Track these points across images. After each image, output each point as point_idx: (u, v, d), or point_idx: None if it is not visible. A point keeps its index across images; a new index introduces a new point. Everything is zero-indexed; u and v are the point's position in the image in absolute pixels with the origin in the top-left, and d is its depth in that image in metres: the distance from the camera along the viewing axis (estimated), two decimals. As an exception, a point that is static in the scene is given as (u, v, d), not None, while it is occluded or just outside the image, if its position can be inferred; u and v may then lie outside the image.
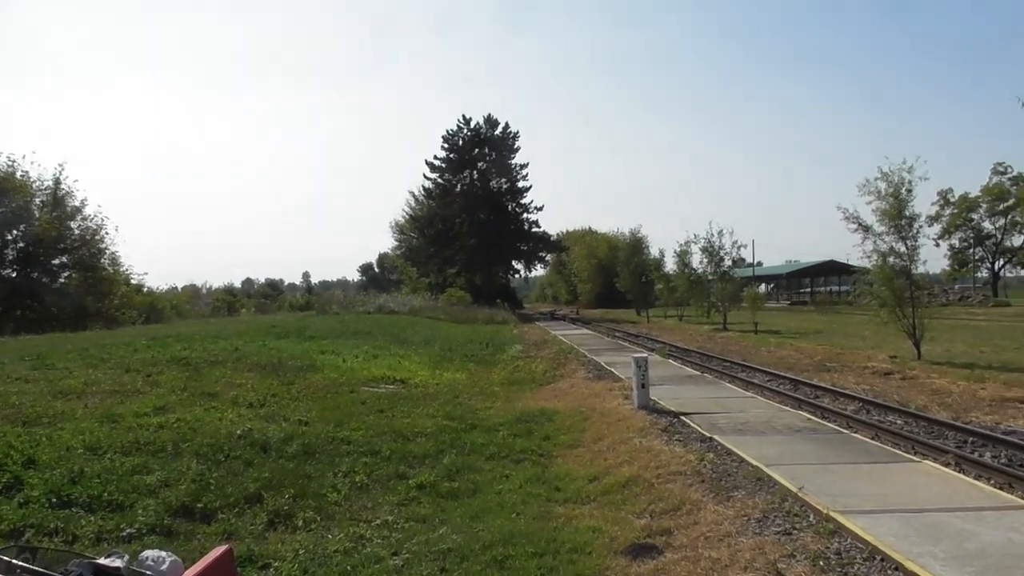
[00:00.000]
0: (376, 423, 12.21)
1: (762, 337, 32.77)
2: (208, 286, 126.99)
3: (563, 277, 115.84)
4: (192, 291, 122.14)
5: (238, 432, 10.38)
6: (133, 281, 49.91)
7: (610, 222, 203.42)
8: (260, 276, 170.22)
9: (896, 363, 21.09)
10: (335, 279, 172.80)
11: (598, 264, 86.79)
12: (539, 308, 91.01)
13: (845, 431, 10.72)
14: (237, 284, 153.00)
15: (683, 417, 11.61)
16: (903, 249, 23.11)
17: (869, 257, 24.04)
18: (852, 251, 24.89)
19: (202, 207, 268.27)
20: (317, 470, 9.38)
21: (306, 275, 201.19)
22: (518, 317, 54.62)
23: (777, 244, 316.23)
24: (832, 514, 6.32)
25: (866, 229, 23.84)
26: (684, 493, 7.58)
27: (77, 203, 38.89)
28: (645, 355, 12.97)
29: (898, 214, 22.95)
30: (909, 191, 23.03)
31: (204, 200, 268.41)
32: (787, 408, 12.84)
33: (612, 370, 18.63)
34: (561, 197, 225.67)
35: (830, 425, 11.17)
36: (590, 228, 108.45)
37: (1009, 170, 68.29)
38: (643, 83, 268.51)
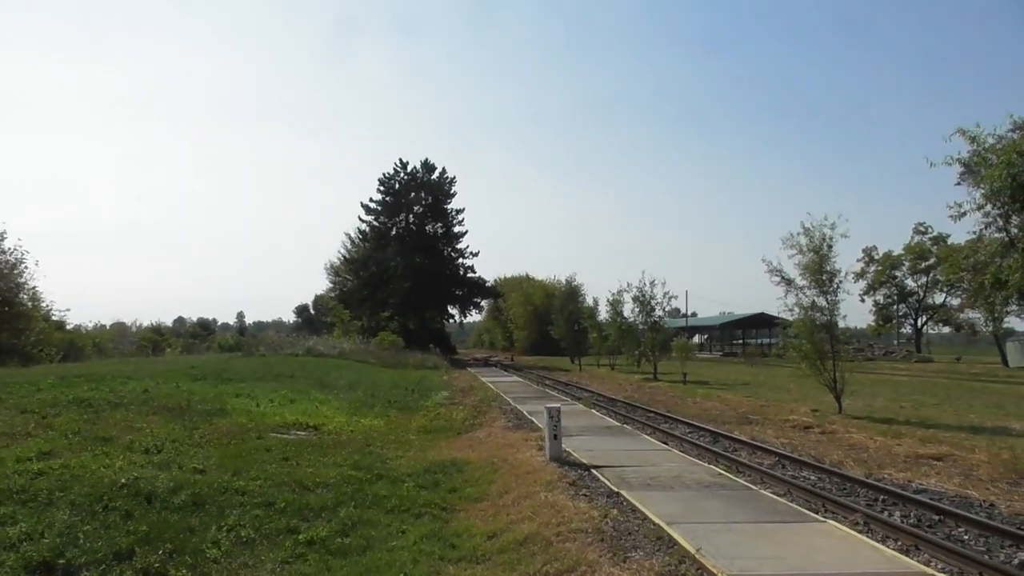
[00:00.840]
0: (277, 472, 11.61)
1: (690, 388, 32.91)
2: (138, 324, 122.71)
3: (500, 323, 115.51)
4: (119, 329, 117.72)
5: (122, 481, 9.71)
6: (54, 317, 48.07)
7: (548, 270, 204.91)
8: (195, 315, 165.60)
9: (817, 417, 21.26)
10: (271, 320, 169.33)
11: (534, 311, 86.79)
12: (475, 354, 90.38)
13: (754, 487, 10.56)
14: (168, 323, 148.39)
15: (594, 470, 11.33)
16: (824, 303, 23.50)
17: (792, 310, 24.42)
18: (780, 304, 25.37)
19: (140, 246, 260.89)
20: (202, 523, 8.79)
21: (240, 315, 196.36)
22: (451, 363, 54.03)
23: (713, 296, 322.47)
24: (726, 578, 6.06)
25: (788, 282, 24.23)
26: (581, 553, 7.25)
27: None
28: (558, 406, 12.70)
29: (819, 269, 23.36)
30: (830, 247, 23.50)
31: (142, 239, 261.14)
32: (700, 462, 12.68)
33: (533, 419, 18.32)
34: (499, 244, 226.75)
35: (739, 481, 11.00)
36: (527, 275, 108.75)
37: (929, 230, 71.05)
38: (579, 136, 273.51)
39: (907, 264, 73.21)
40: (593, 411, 21.33)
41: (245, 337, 79.31)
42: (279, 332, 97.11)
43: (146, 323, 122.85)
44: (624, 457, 12.60)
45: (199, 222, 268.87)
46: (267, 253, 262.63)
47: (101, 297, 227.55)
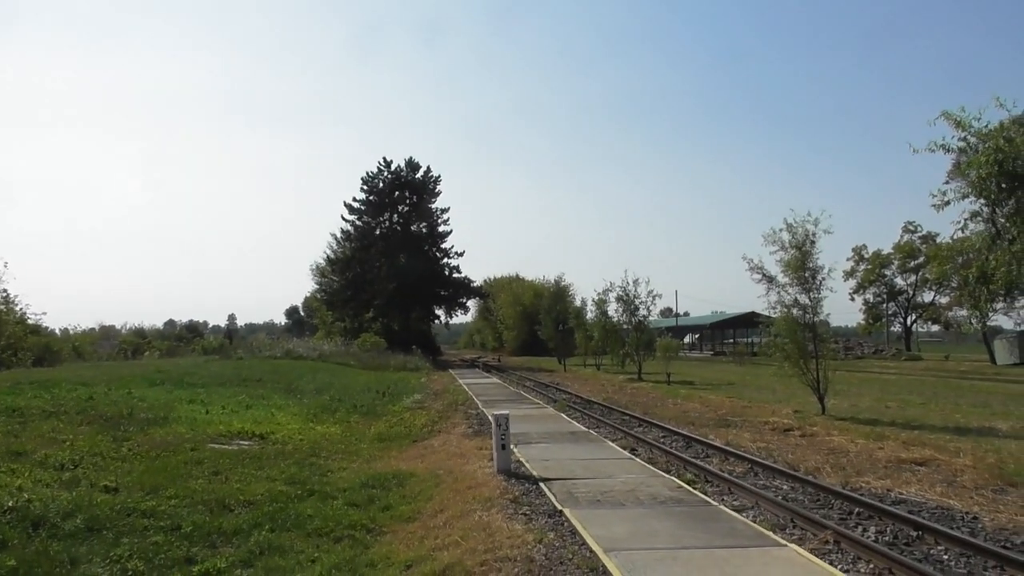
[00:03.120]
0: (200, 489, 10.63)
1: (673, 388, 32.00)
2: (127, 327, 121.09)
3: (490, 324, 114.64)
4: (104, 332, 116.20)
5: (9, 504, 8.71)
6: (29, 320, 47.03)
7: (539, 270, 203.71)
8: (190, 318, 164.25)
9: (798, 418, 20.36)
10: (263, 322, 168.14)
11: (523, 311, 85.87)
12: (463, 355, 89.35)
13: (714, 503, 9.58)
14: (160, 325, 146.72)
15: (542, 484, 10.35)
16: (807, 301, 22.62)
17: (774, 308, 23.58)
18: (765, 302, 24.55)
19: (135, 250, 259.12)
20: (89, 553, 7.81)
21: (231, 317, 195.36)
22: (434, 364, 53.02)
23: (705, 296, 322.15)
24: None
25: (770, 280, 23.37)
26: (502, 588, 6.29)
27: None
28: (507, 412, 11.69)
29: (801, 266, 22.48)
30: (813, 243, 22.63)
31: (136, 243, 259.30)
32: (661, 473, 11.69)
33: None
34: (489, 245, 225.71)
35: (700, 495, 10.02)
36: (517, 275, 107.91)
37: (919, 229, 70.54)
38: (572, 139, 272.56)
39: (896, 263, 72.78)
40: (563, 415, 20.34)
41: (231, 340, 78.15)
42: (270, 334, 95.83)
43: (138, 326, 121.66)
44: (580, 468, 11.62)
45: (195, 224, 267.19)
46: (262, 254, 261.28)
47: (95, 300, 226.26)
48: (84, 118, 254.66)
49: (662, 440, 16.56)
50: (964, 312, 64.93)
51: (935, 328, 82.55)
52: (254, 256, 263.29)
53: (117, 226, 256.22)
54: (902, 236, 72.02)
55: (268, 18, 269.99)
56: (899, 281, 74.35)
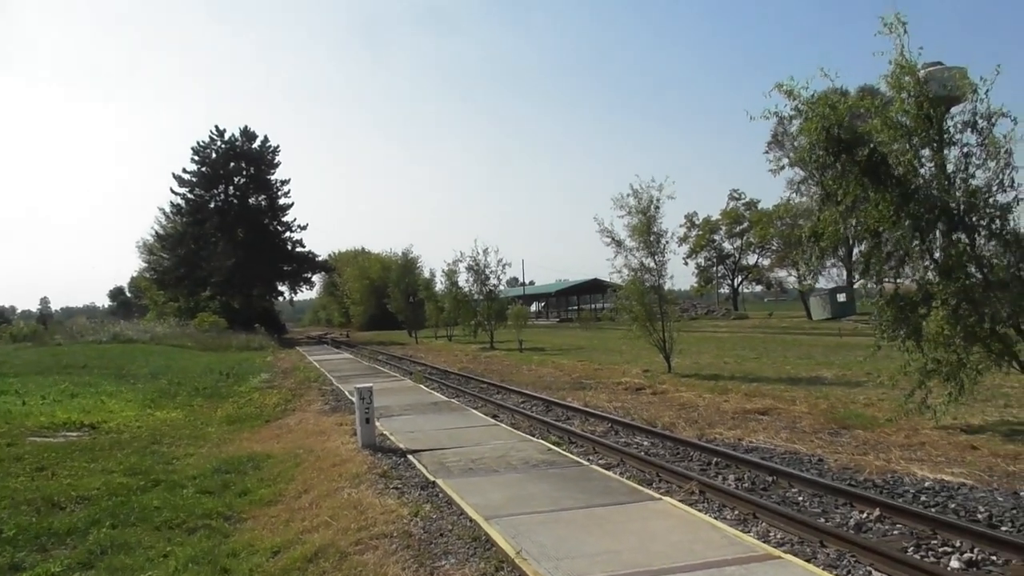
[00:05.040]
0: (23, 487, 9.49)
1: (526, 355, 32.41)
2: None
3: (336, 299, 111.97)
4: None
5: None
6: None
7: (385, 243, 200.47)
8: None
9: (648, 377, 21.11)
10: (82, 305, 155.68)
11: (371, 285, 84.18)
12: (309, 332, 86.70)
13: (585, 463, 9.63)
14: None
15: (411, 456, 10.02)
16: (652, 265, 23.40)
17: (620, 272, 24.24)
18: (611, 267, 25.17)
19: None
20: None
21: (44, 300, 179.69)
22: (279, 342, 51.04)
23: (551, 264, 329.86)
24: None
25: (619, 244, 23.98)
26: (381, 567, 5.94)
27: None
28: (369, 385, 11.24)
29: (647, 230, 23.20)
30: (657, 208, 23.38)
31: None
32: (530, 437, 11.66)
33: (353, 400, 16.73)
34: (334, 217, 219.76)
35: (570, 456, 10.05)
36: (363, 249, 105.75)
37: (743, 196, 75.08)
38: (411, 107, 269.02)
39: (724, 228, 77.06)
40: (422, 386, 20.01)
41: (46, 325, 71.76)
42: (91, 318, 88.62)
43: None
44: (446, 438, 11.35)
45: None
46: (79, 231, 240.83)
47: None
48: None
49: (523, 405, 16.61)
50: (784, 272, 70.23)
51: (759, 288, 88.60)
52: (71, 233, 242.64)
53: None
54: (728, 203, 76.41)
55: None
56: (727, 245, 78.99)
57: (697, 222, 78.52)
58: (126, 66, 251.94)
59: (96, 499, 9.05)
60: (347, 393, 18.16)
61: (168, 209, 64.45)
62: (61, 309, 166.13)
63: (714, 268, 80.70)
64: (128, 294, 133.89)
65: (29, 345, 40.14)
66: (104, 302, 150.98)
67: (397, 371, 26.56)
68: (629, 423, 13.44)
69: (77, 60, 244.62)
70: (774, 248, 69.06)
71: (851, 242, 29.73)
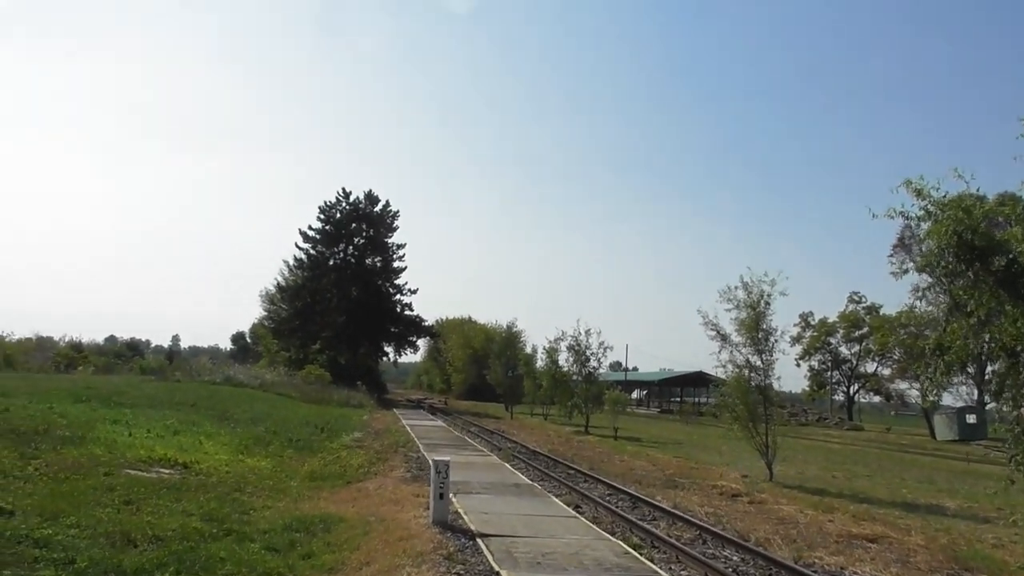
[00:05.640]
0: (106, 519, 9.65)
1: (620, 444, 31.48)
2: (66, 339, 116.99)
3: (438, 365, 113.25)
4: (40, 343, 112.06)
5: None
6: (-44, 327, 45.00)
7: (491, 314, 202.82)
8: (130, 335, 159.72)
9: (747, 483, 19.93)
10: (207, 345, 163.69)
11: (473, 355, 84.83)
12: (410, 395, 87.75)
13: (664, 574, 8.93)
14: (100, 340, 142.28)
15: (480, 540, 9.59)
16: (759, 363, 22.39)
17: (725, 367, 23.33)
18: (715, 361, 24.23)
19: (82, 262, 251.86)
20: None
21: (175, 338, 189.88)
22: (378, 402, 51.70)
23: (655, 352, 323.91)
24: None
25: (724, 338, 23.13)
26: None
27: None
28: (447, 459, 10.95)
29: (755, 326, 22.30)
30: (768, 304, 22.51)
31: (84, 255, 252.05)
32: (608, 535, 11.00)
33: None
34: (444, 284, 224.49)
35: (649, 564, 9.35)
36: (469, 317, 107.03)
37: (863, 299, 71.99)
38: (520, 188, 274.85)
39: (841, 332, 73.94)
40: (507, 465, 19.53)
41: (172, 361, 75.63)
42: (213, 359, 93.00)
43: (76, 339, 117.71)
44: (521, 524, 10.86)
45: (146, 240, 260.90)
46: (211, 276, 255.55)
47: (36, 310, 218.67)
48: (41, 123, 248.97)
49: (608, 498, 15.90)
50: (905, 385, 66.21)
51: (876, 399, 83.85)
52: (203, 278, 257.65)
53: (67, 238, 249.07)
54: (847, 306, 73.49)
55: (235, 40, 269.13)
56: (843, 350, 75.60)
57: (812, 323, 75.70)
58: (279, 125, 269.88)
59: (169, 541, 9.07)
60: (431, 463, 17.96)
61: (291, 262, 67.46)
62: (189, 347, 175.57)
63: (828, 373, 77.15)
64: (248, 339, 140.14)
65: (152, 379, 42.26)
66: (227, 344, 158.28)
67: (486, 445, 26.22)
68: (719, 533, 12.54)
69: (233, 119, 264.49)
70: (896, 358, 65.46)
71: (983, 359, 27.73)
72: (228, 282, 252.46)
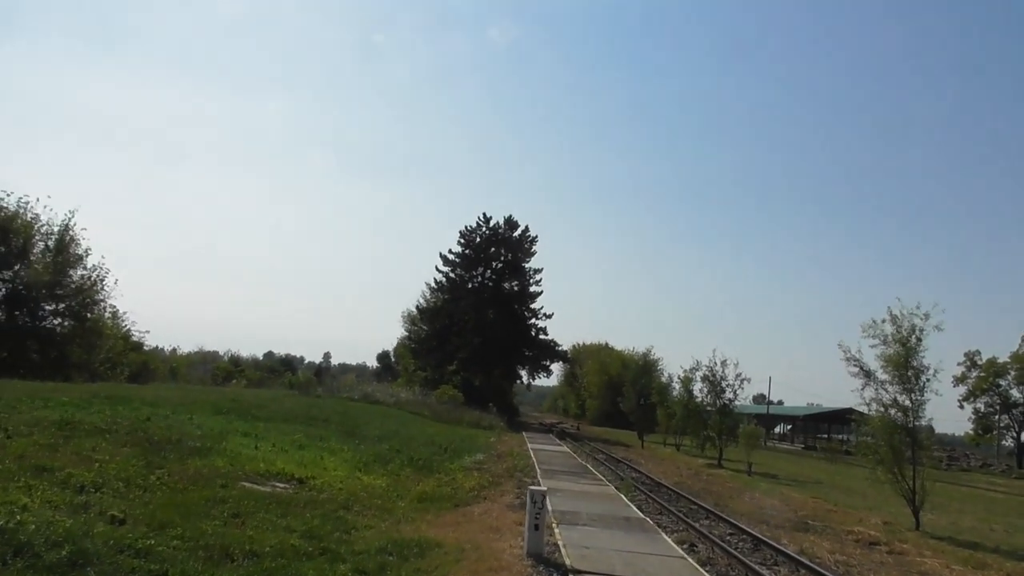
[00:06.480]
0: (211, 531, 9.91)
1: (753, 480, 29.92)
2: (228, 353, 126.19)
3: (574, 390, 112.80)
4: (203, 357, 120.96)
5: (1, 523, 8.20)
6: (133, 338, 48.94)
7: (629, 341, 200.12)
8: (287, 351, 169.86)
9: (887, 531, 18.34)
10: (355, 363, 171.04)
11: (608, 381, 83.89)
12: (545, 419, 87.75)
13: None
14: (259, 356, 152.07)
15: (573, 576, 9.15)
16: (907, 402, 20.63)
17: (868, 406, 21.69)
18: (858, 397, 22.39)
19: (247, 280, 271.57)
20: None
21: (327, 355, 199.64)
22: (508, 425, 51.81)
23: (802, 385, 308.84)
24: None
25: (868, 375, 21.53)
26: None
27: (81, 251, 37.66)
28: (543, 488, 10.57)
29: (904, 363, 20.63)
30: (919, 339, 20.77)
31: (249, 274, 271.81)
32: (714, 581, 10.25)
33: (547, 498, 16.07)
34: (581, 309, 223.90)
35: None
36: (606, 344, 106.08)
37: (1041, 339, 65.64)
38: (674, 212, 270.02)
39: (1013, 373, 67.76)
40: (622, 496, 18.81)
41: (320, 377, 79.37)
42: (360, 376, 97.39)
43: (236, 354, 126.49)
44: (621, 562, 10.29)
45: (306, 260, 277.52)
46: (364, 296, 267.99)
47: (208, 325, 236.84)
48: (212, 150, 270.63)
49: (728, 538, 14.96)
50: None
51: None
52: (356, 297, 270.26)
53: (237, 264, 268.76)
54: (1021, 345, 67.23)
55: (394, 75, 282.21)
56: (1015, 393, 69.13)
57: (979, 362, 69.64)
58: (422, 157, 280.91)
59: (264, 557, 9.19)
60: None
61: (432, 284, 69.22)
62: (338, 364, 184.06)
63: (996, 416, 70.55)
64: (392, 358, 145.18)
65: (296, 393, 44.29)
66: (373, 363, 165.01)
67: (609, 474, 25.53)
68: (846, 586, 11.47)
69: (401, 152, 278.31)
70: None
71: None
72: (379, 303, 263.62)
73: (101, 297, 39.45)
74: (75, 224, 36.76)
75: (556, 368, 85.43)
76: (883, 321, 21.24)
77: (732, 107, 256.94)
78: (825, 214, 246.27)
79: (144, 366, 52.09)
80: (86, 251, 37.57)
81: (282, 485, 14.40)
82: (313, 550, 9.84)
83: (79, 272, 37.93)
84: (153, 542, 8.98)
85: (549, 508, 14.43)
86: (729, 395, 39.23)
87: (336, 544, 10.32)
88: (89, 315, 39.45)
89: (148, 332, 65.23)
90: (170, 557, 8.60)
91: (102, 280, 38.49)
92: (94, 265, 37.91)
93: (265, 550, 9.48)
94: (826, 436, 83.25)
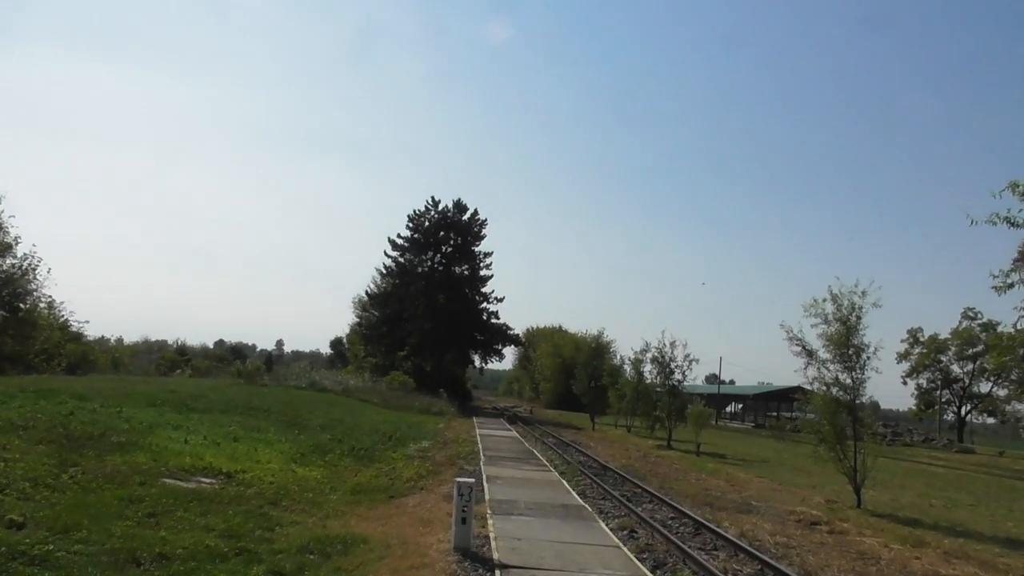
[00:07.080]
0: (120, 534, 9.34)
1: (701, 461, 29.99)
2: (177, 342, 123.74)
3: (528, 374, 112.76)
4: (149, 347, 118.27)
5: None
6: (72, 328, 47.36)
7: (583, 323, 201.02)
8: (238, 339, 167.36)
9: (829, 510, 18.42)
10: (308, 350, 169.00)
11: (562, 364, 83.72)
12: (498, 403, 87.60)
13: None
14: (210, 344, 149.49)
15: (499, 572, 8.77)
16: (848, 380, 20.71)
17: (812, 384, 21.77)
18: (800, 376, 22.53)
19: (194, 267, 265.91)
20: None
21: (279, 343, 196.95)
22: (460, 410, 51.40)
23: (752, 365, 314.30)
24: None
25: (810, 354, 21.56)
26: None
27: (10, 239, 36.06)
28: (470, 481, 10.17)
29: (845, 342, 20.67)
30: (859, 318, 20.82)
31: (195, 261, 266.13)
32: (646, 571, 9.95)
33: (485, 487, 15.70)
34: (534, 293, 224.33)
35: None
36: (560, 327, 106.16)
37: (979, 315, 67.42)
38: (618, 194, 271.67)
39: (953, 349, 69.63)
40: (564, 482, 18.53)
41: (270, 366, 77.96)
42: (313, 363, 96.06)
43: (184, 343, 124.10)
44: (552, 555, 9.94)
45: (254, 246, 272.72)
46: (315, 282, 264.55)
47: (156, 314, 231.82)
48: (154, 135, 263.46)
49: (669, 523, 14.79)
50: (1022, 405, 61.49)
51: (991, 421, 78.35)
52: (307, 284, 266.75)
53: (181, 249, 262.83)
54: (961, 322, 69.11)
55: (331, 55, 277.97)
56: (955, 368, 71.14)
57: (922, 339, 71.31)
58: (372, 139, 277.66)
59: (173, 560, 8.67)
60: (484, 478, 17.21)
61: (382, 270, 68.25)
62: (291, 352, 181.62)
63: (938, 392, 72.44)
64: (345, 345, 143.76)
65: (241, 383, 43.13)
66: (326, 350, 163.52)
67: (555, 459, 25.28)
68: (783, 569, 11.31)
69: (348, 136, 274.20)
70: (1013, 378, 60.82)
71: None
72: (332, 289, 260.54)
73: (34, 287, 38.13)
74: (2, 211, 35.23)
75: (510, 352, 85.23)
76: (824, 300, 21.27)
77: (697, 88, 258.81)
78: (772, 189, 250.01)
79: (83, 357, 50.47)
80: (15, 239, 36.11)
81: (208, 481, 13.80)
82: (229, 551, 9.33)
83: (8, 261, 36.54)
84: (52, 547, 8.42)
85: (487, 497, 14.12)
86: (678, 376, 39.38)
87: (255, 543, 9.82)
88: (22, 305, 38.11)
89: (87, 322, 63.29)
90: (69, 564, 8.06)
91: (34, 269, 37.13)
92: (25, 254, 36.49)
93: (177, 552, 8.97)
94: (775, 415, 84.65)
